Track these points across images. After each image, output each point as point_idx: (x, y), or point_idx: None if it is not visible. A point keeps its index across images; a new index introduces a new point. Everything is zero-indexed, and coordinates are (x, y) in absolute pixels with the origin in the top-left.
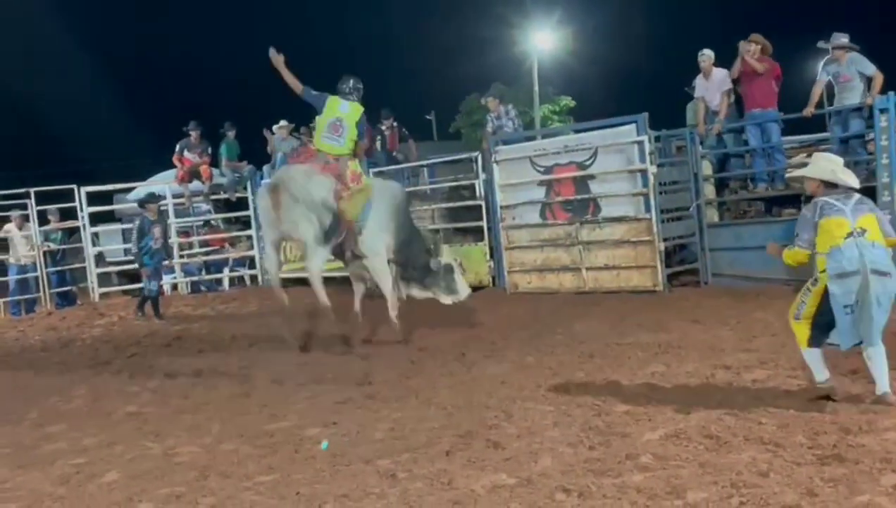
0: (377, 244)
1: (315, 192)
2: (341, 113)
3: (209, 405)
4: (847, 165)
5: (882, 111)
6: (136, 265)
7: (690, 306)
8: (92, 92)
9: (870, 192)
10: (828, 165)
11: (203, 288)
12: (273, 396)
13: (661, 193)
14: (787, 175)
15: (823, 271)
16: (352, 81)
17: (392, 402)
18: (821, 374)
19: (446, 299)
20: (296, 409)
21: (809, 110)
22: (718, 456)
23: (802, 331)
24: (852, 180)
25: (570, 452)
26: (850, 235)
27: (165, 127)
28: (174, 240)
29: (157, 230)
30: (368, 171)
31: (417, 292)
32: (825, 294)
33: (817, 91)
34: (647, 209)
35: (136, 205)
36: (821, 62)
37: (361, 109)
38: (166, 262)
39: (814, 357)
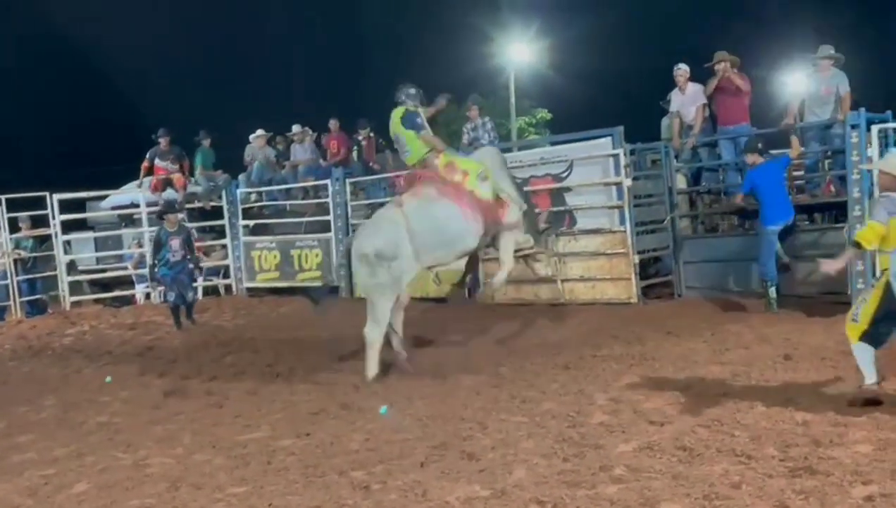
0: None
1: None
2: (392, 130)
3: (181, 415)
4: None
5: (853, 127)
6: (107, 274)
7: (664, 318)
8: (65, 96)
9: (841, 206)
10: None
11: None
12: (246, 406)
13: (635, 205)
14: (863, 166)
15: (886, 268)
16: (400, 89)
17: (367, 413)
18: (870, 376)
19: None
20: (269, 420)
21: (788, 122)
22: (691, 468)
23: (856, 329)
24: None
25: (545, 463)
26: None
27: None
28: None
29: (175, 243)
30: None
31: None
32: (886, 294)
33: (795, 104)
34: (622, 222)
35: (108, 213)
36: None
37: (396, 111)
38: (191, 266)
39: (864, 354)
